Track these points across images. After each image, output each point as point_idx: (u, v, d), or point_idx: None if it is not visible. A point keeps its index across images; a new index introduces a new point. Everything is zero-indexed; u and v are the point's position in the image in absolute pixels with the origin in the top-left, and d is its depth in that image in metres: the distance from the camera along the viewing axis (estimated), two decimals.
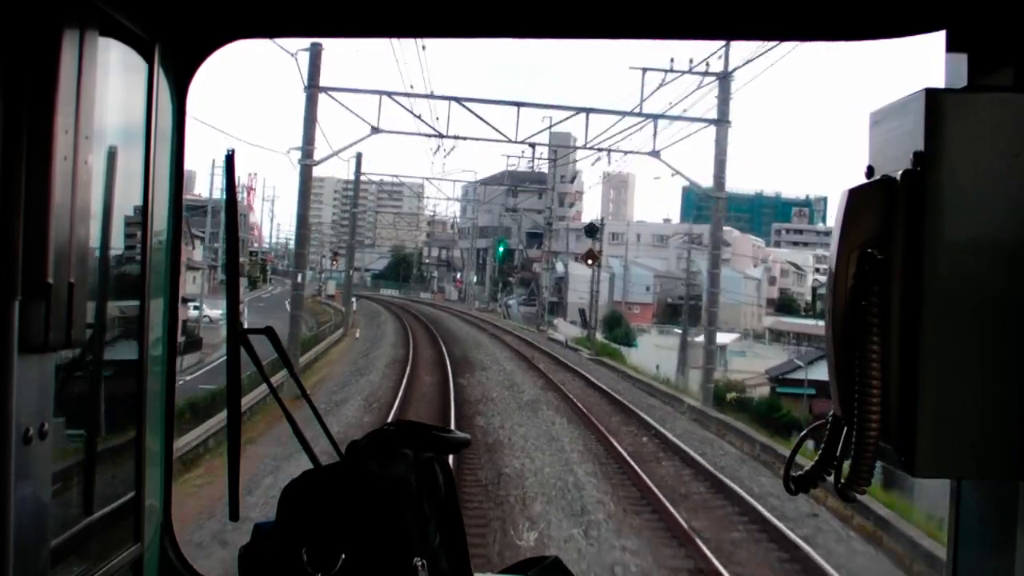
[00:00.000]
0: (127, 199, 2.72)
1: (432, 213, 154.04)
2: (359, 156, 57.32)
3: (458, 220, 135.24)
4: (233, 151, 2.63)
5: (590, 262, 61.41)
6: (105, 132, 2.41)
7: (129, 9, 2.41)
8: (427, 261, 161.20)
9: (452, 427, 2.38)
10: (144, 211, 2.69)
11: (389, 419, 21.49)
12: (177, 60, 2.75)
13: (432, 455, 2.31)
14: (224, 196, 2.78)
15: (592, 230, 68.03)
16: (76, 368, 2.48)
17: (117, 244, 2.70)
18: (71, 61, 2.03)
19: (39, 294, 1.94)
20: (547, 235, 76.48)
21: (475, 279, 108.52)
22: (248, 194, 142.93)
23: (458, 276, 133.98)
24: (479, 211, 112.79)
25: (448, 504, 2.32)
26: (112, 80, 2.42)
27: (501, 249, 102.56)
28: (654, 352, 60.08)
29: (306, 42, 30.37)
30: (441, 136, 33.18)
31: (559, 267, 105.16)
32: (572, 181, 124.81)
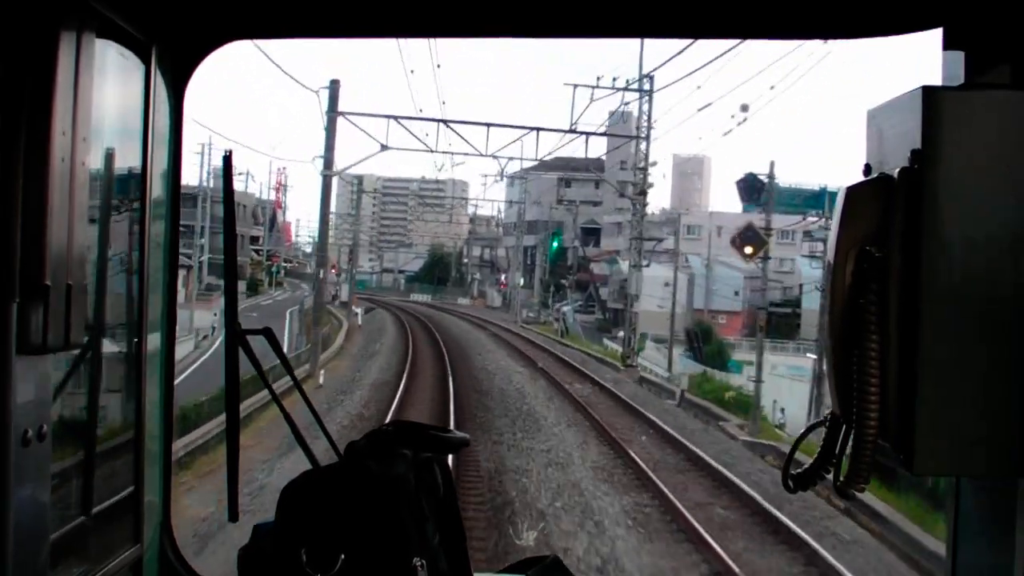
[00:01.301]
0: (124, 200, 2.90)
1: (475, 204, 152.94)
2: (334, 85, 40.68)
3: (502, 214, 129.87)
4: (231, 152, 2.85)
5: (750, 249, 41.73)
6: (102, 134, 2.58)
7: (126, 11, 2.57)
8: (466, 260, 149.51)
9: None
10: (141, 212, 2.87)
11: None
12: (174, 62, 2.93)
13: (431, 455, 2.50)
14: (223, 196, 2.91)
15: (756, 187, 48.82)
16: (74, 369, 2.65)
17: (115, 245, 2.88)
18: (68, 63, 2.18)
19: (37, 296, 2.08)
20: (637, 216, 50.33)
21: (522, 282, 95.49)
22: (277, 190, 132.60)
23: (502, 278, 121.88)
24: (527, 202, 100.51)
25: (447, 503, 2.50)
26: (109, 82, 2.59)
27: (555, 244, 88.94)
28: (766, 382, 40.86)
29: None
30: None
31: (623, 266, 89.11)
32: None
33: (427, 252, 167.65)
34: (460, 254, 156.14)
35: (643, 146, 50.05)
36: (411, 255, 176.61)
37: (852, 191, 2.17)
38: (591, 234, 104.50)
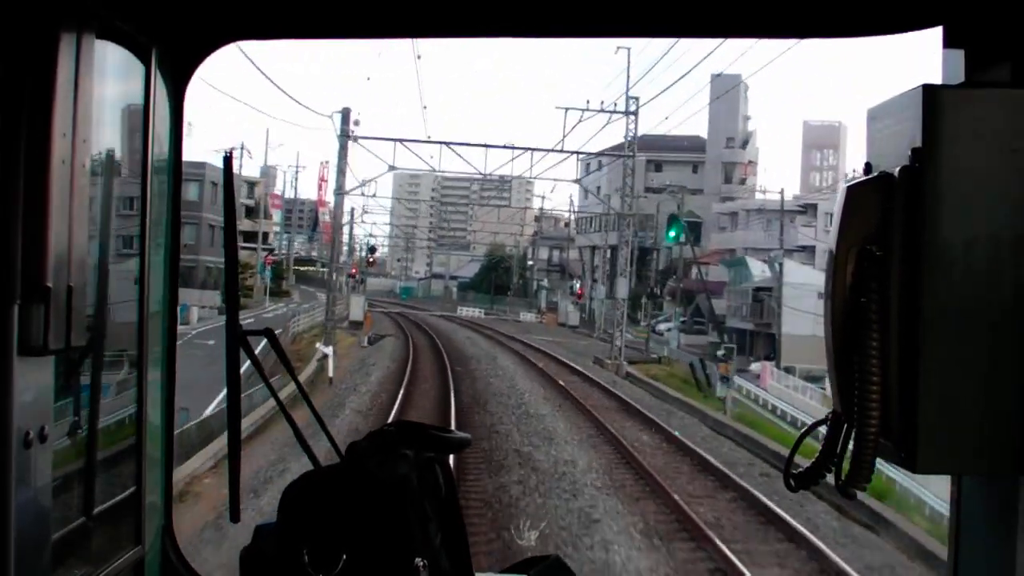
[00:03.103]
0: (125, 202, 3.12)
1: (541, 198, 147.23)
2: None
3: (575, 207, 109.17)
4: (231, 152, 3.09)
5: None
6: (103, 135, 2.79)
7: (126, 12, 2.78)
8: (531, 263, 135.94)
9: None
10: (142, 214, 3.09)
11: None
12: (174, 63, 3.16)
13: (433, 455, 2.77)
14: (223, 197, 3.22)
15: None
16: (76, 371, 2.88)
17: (116, 247, 3.12)
18: (68, 64, 2.37)
19: (38, 297, 2.28)
20: None
21: (606, 292, 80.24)
22: (320, 187, 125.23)
23: (577, 285, 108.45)
24: (608, 183, 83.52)
25: (449, 503, 2.76)
26: (109, 83, 2.79)
27: (672, 234, 69.01)
28: None
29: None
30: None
31: (755, 270, 78.51)
32: (744, 146, 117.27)
33: (484, 255, 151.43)
34: (524, 257, 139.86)
35: None
36: (466, 258, 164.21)
37: (853, 189, 2.37)
38: (691, 230, 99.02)
